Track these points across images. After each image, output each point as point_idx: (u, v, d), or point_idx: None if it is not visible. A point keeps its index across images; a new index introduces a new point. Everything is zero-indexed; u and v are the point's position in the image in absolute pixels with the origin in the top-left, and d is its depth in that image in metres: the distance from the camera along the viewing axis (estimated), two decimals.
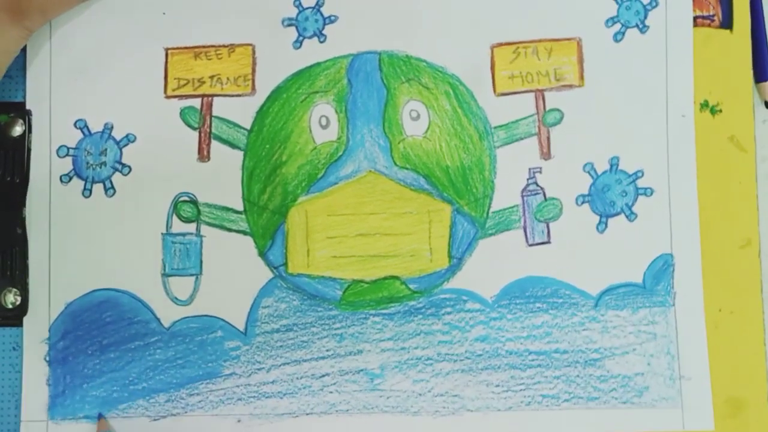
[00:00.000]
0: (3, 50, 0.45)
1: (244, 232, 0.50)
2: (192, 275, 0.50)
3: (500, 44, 0.51)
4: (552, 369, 0.50)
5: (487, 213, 0.50)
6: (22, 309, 0.49)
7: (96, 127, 0.50)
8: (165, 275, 0.50)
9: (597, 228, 0.50)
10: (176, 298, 0.50)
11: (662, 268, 0.50)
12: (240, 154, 0.50)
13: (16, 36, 0.46)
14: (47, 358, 0.49)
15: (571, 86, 0.51)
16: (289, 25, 0.51)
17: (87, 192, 0.50)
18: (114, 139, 0.50)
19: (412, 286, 0.50)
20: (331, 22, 0.50)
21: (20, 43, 0.47)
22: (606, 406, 0.50)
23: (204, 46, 0.51)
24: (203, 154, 0.50)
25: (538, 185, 0.50)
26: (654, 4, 0.51)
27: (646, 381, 0.50)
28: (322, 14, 0.50)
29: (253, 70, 0.50)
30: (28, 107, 0.50)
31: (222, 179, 0.50)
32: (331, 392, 0.50)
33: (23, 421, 0.49)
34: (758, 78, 0.52)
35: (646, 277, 0.50)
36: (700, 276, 0.50)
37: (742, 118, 0.51)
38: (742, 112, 0.51)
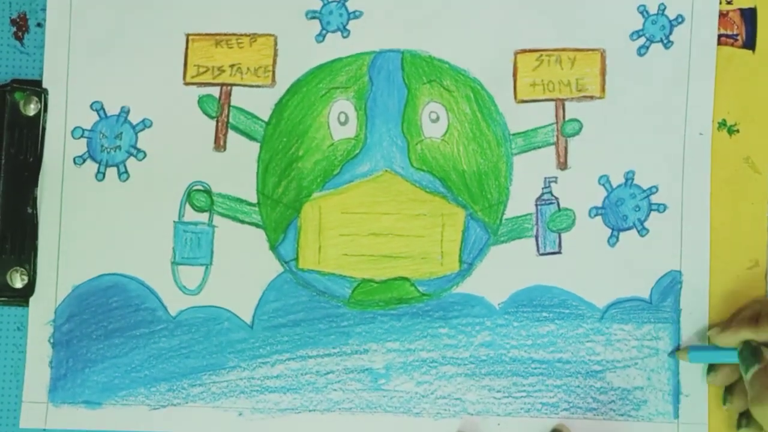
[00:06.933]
0: None
1: (257, 225, 0.50)
2: (202, 265, 0.49)
3: (524, 51, 0.50)
4: (553, 378, 0.50)
5: (501, 220, 0.50)
6: (28, 289, 0.49)
7: (112, 110, 0.50)
8: (175, 263, 0.49)
9: (608, 241, 0.50)
10: (184, 287, 0.49)
11: (670, 285, 0.50)
12: (256, 145, 0.50)
13: None
14: (51, 340, 0.49)
15: (592, 97, 0.50)
16: (313, 18, 0.50)
17: (100, 175, 0.49)
18: (130, 123, 0.50)
19: (421, 289, 0.50)
20: (356, 17, 0.50)
21: None
22: (603, 417, 0.50)
23: (226, 34, 0.50)
24: (219, 144, 0.50)
25: (552, 195, 0.50)
26: (680, 20, 0.50)
27: (645, 395, 0.50)
28: (347, 8, 0.50)
29: (274, 62, 0.50)
30: (44, 86, 0.49)
31: (237, 170, 0.50)
32: (335, 390, 0.49)
33: (24, 402, 0.49)
34: None
35: (653, 293, 0.50)
36: (707, 294, 0.50)
37: (759, 139, 0.51)
38: (760, 133, 0.51)
